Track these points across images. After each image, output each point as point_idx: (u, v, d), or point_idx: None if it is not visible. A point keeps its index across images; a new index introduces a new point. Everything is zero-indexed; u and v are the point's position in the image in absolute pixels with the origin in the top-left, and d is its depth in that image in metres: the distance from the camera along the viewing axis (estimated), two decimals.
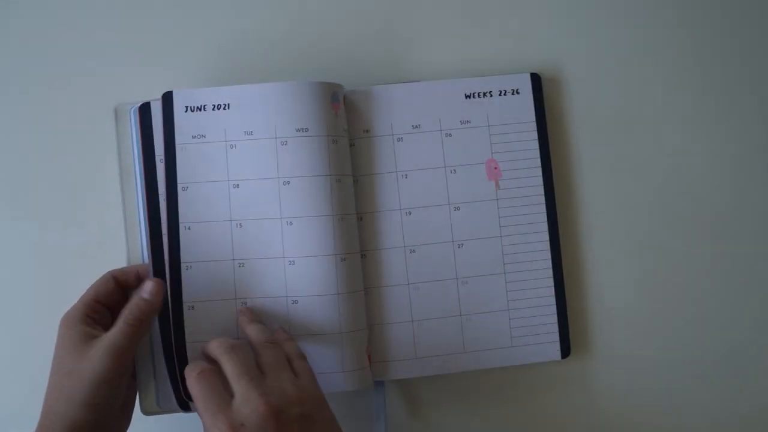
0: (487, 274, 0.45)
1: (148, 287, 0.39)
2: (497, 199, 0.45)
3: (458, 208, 0.45)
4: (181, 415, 0.42)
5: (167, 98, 0.42)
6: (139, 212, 0.43)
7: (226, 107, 0.42)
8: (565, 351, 0.46)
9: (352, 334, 0.42)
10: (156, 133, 0.43)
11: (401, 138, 0.45)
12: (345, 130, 0.44)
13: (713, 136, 0.49)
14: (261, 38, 0.48)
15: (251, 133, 0.42)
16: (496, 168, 0.45)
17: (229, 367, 0.35)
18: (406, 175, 0.45)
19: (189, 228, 0.42)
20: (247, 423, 0.32)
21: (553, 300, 0.46)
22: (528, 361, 0.45)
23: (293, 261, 0.42)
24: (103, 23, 0.48)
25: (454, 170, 0.45)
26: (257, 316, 0.41)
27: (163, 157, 0.42)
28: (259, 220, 0.42)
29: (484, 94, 0.46)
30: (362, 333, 0.43)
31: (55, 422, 0.35)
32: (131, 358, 0.38)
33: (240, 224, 0.42)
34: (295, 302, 0.42)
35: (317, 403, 0.36)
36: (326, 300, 0.42)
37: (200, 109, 0.42)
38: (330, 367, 0.42)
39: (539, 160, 0.46)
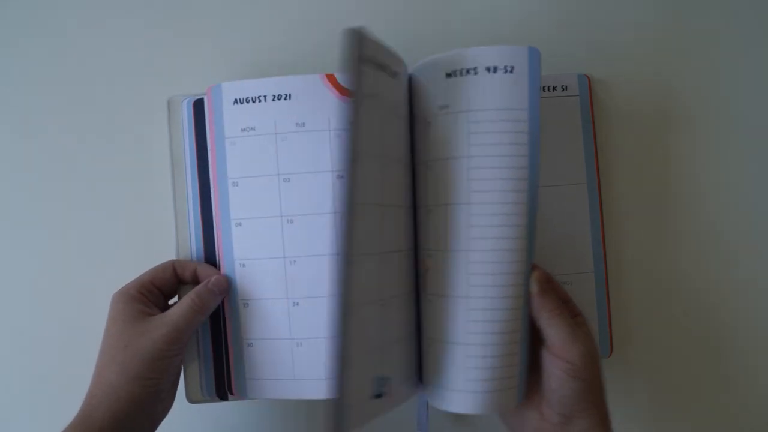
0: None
1: (215, 280, 0.40)
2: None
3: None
4: (221, 404, 0.43)
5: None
6: (188, 203, 0.42)
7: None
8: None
9: None
10: (189, 129, 0.42)
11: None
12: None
13: None
14: (315, 28, 0.47)
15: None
16: None
17: None
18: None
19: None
20: None
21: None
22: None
23: None
24: (155, 20, 0.48)
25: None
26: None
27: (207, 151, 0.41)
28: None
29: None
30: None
31: (108, 393, 0.35)
32: (187, 340, 0.39)
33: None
34: None
35: None
36: None
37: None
38: None
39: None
